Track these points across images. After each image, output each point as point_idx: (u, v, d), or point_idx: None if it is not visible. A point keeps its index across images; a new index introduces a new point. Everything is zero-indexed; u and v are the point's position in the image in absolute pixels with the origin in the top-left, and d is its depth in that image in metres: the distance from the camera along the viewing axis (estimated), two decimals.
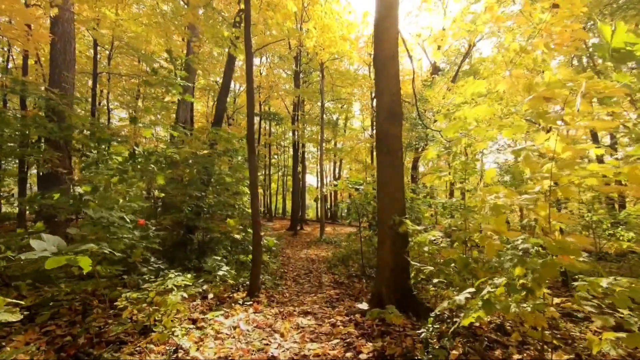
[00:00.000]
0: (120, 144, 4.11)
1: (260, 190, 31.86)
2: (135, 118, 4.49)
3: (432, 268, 3.43)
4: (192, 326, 3.00)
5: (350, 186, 6.29)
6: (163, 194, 6.52)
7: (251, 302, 4.35)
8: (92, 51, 14.10)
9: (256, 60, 25.13)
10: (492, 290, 2.35)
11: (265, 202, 31.07)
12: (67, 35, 8.39)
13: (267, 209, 29.02)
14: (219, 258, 4.07)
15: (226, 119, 22.41)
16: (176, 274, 3.26)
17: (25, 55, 13.79)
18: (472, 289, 2.52)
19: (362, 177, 6.59)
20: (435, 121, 11.97)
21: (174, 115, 11.70)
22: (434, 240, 3.98)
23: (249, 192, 5.26)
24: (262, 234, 8.25)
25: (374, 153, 22.60)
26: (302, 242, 14.39)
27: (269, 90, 22.12)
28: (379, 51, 4.54)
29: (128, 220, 3.01)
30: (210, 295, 4.17)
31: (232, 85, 25.32)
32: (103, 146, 3.89)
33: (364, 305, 2.93)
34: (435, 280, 3.36)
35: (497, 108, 3.88)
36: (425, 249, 3.84)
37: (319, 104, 21.65)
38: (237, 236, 5.06)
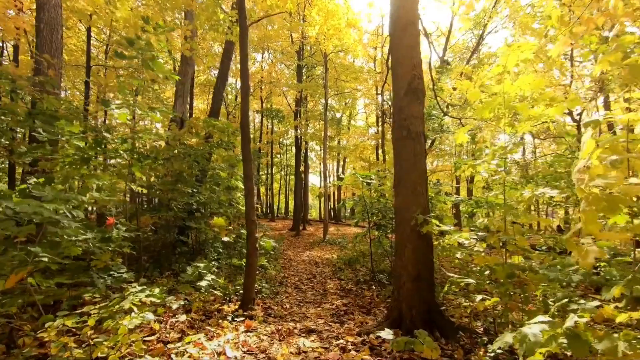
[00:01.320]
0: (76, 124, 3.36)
1: (262, 190, 31.14)
2: (107, 101, 3.78)
3: (472, 281, 2.67)
4: None
5: (361, 179, 5.52)
6: (153, 190, 5.83)
7: (243, 318, 3.62)
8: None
9: (257, 56, 24.46)
10: (581, 318, 1.60)
11: (267, 201, 30.34)
12: (54, 21, 7.77)
13: (270, 208, 28.32)
14: (202, 265, 3.36)
15: (226, 116, 21.72)
16: (140, 287, 2.55)
17: (16, 46, 13.22)
18: (544, 317, 1.77)
19: (372, 172, 5.81)
20: (445, 114, 11.20)
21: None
22: (466, 244, 3.22)
23: (243, 187, 4.54)
24: (261, 234, 7.54)
25: (379, 151, 21.80)
26: (304, 243, 13.67)
27: (270, 86, 21.37)
28: (396, 16, 3.79)
29: (75, 215, 2.31)
30: (194, 309, 3.44)
31: (233, 81, 24.67)
32: (55, 126, 3.17)
33: (387, 335, 2.21)
34: (478, 298, 2.61)
35: (543, 81, 3.12)
36: (458, 255, 3.08)
37: (322, 101, 20.92)
38: (226, 238, 4.33)
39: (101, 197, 3.10)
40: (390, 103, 19.42)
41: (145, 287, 2.60)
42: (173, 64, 17.79)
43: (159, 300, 2.52)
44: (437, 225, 3.25)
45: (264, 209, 30.36)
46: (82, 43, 16.04)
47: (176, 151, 4.94)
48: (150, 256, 6.00)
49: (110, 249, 3.18)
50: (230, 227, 4.33)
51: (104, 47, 16.24)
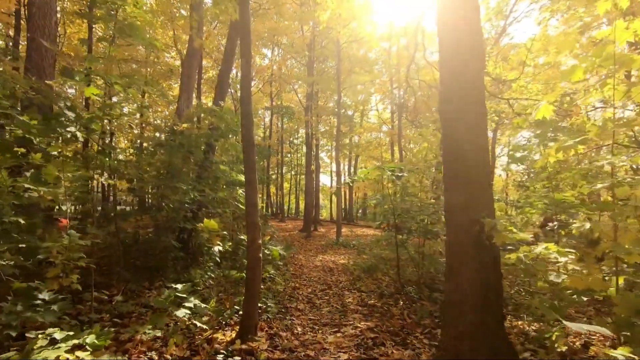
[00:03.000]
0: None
1: (272, 189, 30.32)
2: (71, 70, 2.92)
3: (608, 333, 1.67)
4: None
5: (389, 172, 4.51)
6: (134, 185, 4.99)
7: (240, 357, 2.69)
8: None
9: (267, 53, 23.62)
10: None
11: (277, 201, 29.50)
12: (47, 7, 7.19)
13: (280, 208, 27.50)
14: (180, 287, 2.48)
15: (234, 112, 20.96)
16: (63, 334, 1.66)
17: (15, 40, 12.81)
18: None
19: (400, 164, 4.74)
20: (494, 96, 9.97)
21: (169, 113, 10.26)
22: (557, 259, 2.21)
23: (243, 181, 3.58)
24: (267, 237, 6.62)
25: (395, 148, 20.65)
26: (316, 246, 12.73)
27: (280, 81, 20.51)
28: None
29: None
30: (171, 344, 2.54)
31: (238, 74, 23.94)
32: None
33: None
34: (616, 355, 1.59)
35: None
36: (553, 278, 2.07)
37: (335, 97, 19.94)
38: (219, 247, 3.41)
39: (37, 188, 2.24)
40: (406, 97, 18.27)
41: (72, 332, 1.70)
42: (180, 59, 17.21)
43: (89, 357, 1.61)
44: (512, 232, 2.25)
45: (275, 209, 29.59)
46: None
47: (163, 137, 4.08)
48: (143, 263, 5.20)
49: (57, 262, 2.31)
50: (224, 233, 3.40)
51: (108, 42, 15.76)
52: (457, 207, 2.58)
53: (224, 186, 4.89)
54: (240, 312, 3.46)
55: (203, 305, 2.44)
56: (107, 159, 2.99)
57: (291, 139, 29.36)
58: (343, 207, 28.09)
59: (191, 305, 2.35)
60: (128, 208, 7.33)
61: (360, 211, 34.14)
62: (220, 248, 3.41)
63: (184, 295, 2.38)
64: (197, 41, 6.65)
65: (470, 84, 2.58)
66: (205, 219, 2.99)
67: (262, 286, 4.89)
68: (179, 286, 2.43)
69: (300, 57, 20.92)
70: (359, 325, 3.94)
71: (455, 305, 2.50)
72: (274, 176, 27.43)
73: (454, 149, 2.67)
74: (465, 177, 2.59)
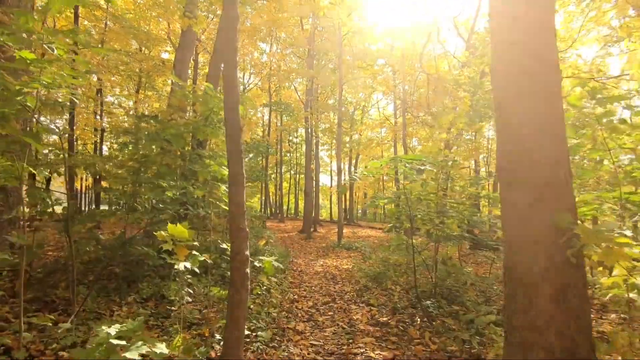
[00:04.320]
0: None
1: (271, 189, 29.46)
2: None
3: None
4: None
5: (407, 166, 3.71)
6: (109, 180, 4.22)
7: None
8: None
9: (266, 48, 22.79)
10: None
11: (276, 201, 28.65)
12: None
13: (279, 209, 26.70)
14: (115, 330, 1.68)
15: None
16: None
17: None
18: None
19: (418, 155, 3.94)
20: None
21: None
22: None
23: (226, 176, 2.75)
24: (262, 242, 5.84)
25: (398, 145, 19.85)
26: (317, 248, 11.95)
27: (279, 76, 19.69)
28: None
29: None
30: None
31: (241, 75, 23.12)
32: None
33: None
34: None
35: None
36: None
37: (335, 94, 19.16)
38: (187, 264, 2.63)
39: None
40: (411, 90, 17.49)
41: None
42: (175, 52, 16.46)
43: None
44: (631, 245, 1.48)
45: (274, 209, 28.79)
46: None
47: (129, 121, 3.31)
48: (125, 271, 4.45)
49: None
50: (196, 243, 2.61)
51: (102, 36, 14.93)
52: (522, 212, 1.79)
53: (204, 183, 4.13)
54: (222, 343, 2.69)
55: (159, 350, 1.66)
56: (39, 144, 2.22)
57: (290, 137, 28.58)
58: (343, 207, 27.30)
59: (136, 356, 1.57)
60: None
61: (360, 211, 33.37)
62: (188, 265, 2.61)
63: (121, 342, 1.58)
64: (184, 21, 5.86)
65: (537, 26, 1.80)
66: (169, 224, 2.23)
67: (253, 304, 4.12)
68: (112, 330, 1.61)
69: (300, 53, 20.10)
70: (373, 355, 3.16)
71: (527, 347, 1.72)
72: (272, 175, 26.62)
73: (512, 135, 1.89)
74: (530, 168, 1.81)
